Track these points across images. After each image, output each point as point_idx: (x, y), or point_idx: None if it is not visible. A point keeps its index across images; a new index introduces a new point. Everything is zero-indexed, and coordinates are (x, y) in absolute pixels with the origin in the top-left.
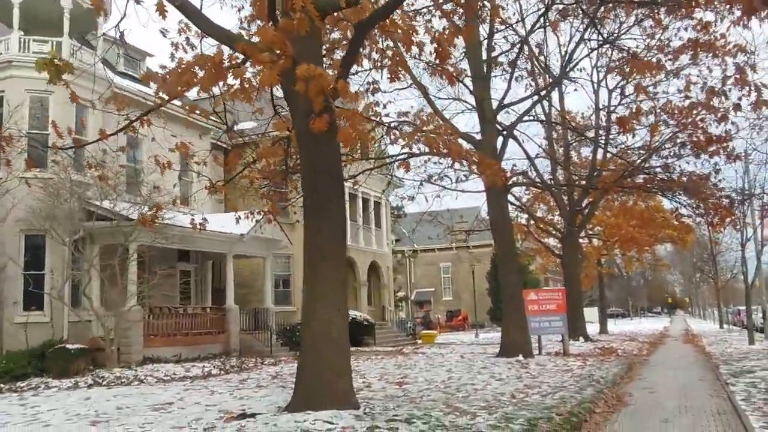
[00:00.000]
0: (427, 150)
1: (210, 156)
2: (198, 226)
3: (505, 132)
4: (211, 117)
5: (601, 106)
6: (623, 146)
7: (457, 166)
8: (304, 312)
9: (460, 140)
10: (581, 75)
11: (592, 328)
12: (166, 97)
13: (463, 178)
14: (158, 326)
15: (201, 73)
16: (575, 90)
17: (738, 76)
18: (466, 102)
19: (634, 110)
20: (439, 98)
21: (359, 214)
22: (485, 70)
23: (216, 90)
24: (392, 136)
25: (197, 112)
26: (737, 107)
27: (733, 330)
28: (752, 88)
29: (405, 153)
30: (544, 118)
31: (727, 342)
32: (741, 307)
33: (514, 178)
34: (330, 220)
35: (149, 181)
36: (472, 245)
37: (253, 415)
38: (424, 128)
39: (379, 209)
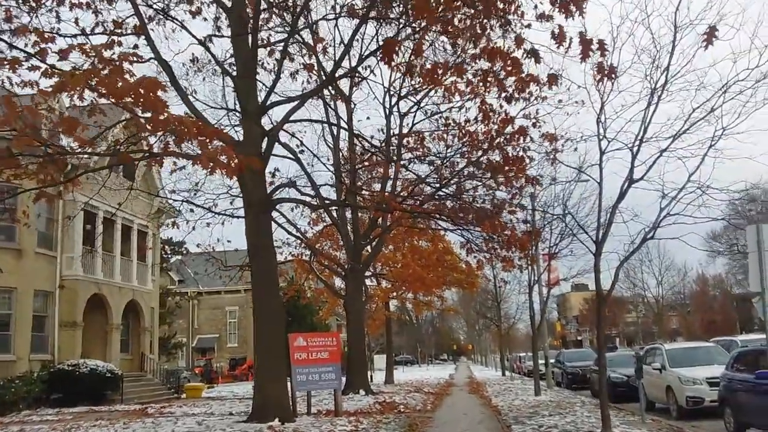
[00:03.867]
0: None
1: None
2: None
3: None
4: None
5: (393, 133)
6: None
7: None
8: None
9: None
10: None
11: (381, 377)
12: None
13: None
14: None
15: None
16: (367, 118)
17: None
18: (236, 113)
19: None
20: (206, 105)
21: (116, 244)
22: (250, 47)
23: None
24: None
25: None
26: (553, 79)
27: (515, 377)
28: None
29: (143, 151)
30: (325, 122)
31: (512, 392)
32: (520, 353)
33: (280, 191)
34: None
35: None
36: None
37: None
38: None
39: (145, 240)
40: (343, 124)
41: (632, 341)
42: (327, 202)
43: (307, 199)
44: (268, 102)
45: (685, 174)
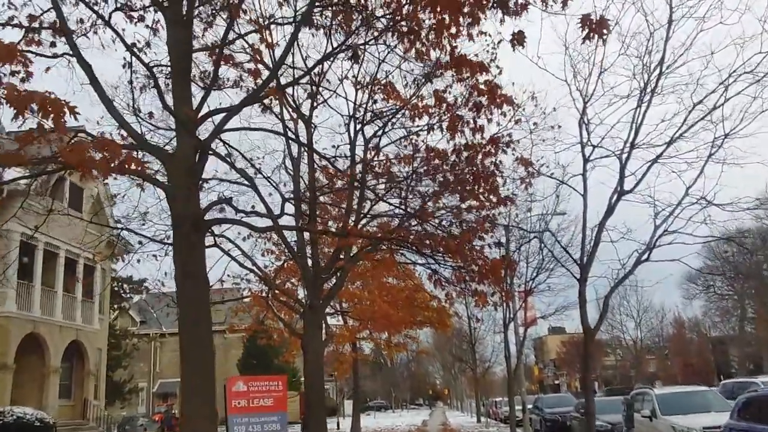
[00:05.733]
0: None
1: None
2: None
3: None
4: None
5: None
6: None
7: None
8: None
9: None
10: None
11: (347, 424)
12: None
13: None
14: None
15: None
16: (333, 146)
17: None
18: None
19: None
20: (152, 126)
21: (58, 279)
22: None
23: None
24: None
25: None
26: (519, 37)
27: (491, 423)
28: None
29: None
30: (279, 132)
31: None
32: (496, 398)
33: (214, 209)
34: None
35: None
36: (226, 329)
37: None
38: None
39: (92, 275)
40: (298, 142)
41: (610, 385)
42: (279, 224)
43: (252, 221)
44: (206, 110)
45: (681, 186)
